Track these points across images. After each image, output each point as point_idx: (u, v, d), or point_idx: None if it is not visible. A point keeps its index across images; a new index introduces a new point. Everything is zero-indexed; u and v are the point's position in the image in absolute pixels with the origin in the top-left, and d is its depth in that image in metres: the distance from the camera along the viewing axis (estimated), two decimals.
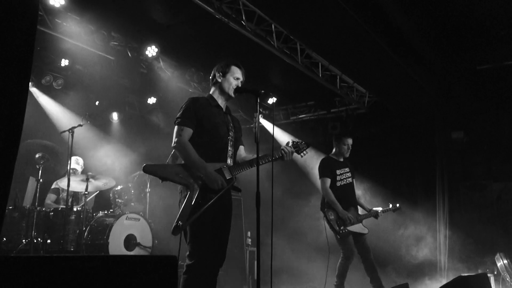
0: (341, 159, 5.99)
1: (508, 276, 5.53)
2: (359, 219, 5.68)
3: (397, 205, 6.10)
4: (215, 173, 3.45)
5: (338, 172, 5.85)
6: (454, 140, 8.03)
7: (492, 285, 5.33)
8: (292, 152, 3.77)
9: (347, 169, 5.93)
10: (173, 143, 3.53)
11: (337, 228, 5.50)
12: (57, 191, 6.59)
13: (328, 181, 5.76)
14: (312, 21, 6.35)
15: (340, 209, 5.55)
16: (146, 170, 3.41)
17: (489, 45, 6.82)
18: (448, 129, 8.11)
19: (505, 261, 5.69)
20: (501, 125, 7.52)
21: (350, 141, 5.94)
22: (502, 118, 7.53)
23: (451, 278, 5.20)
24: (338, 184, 5.80)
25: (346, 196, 5.78)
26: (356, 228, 5.60)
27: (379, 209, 5.94)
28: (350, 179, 5.91)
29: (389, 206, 6.07)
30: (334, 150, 6.04)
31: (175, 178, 3.45)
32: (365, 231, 5.68)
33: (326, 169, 5.86)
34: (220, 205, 3.51)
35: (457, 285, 4.94)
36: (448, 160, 8.04)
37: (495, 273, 5.86)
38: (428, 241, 7.53)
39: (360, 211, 5.89)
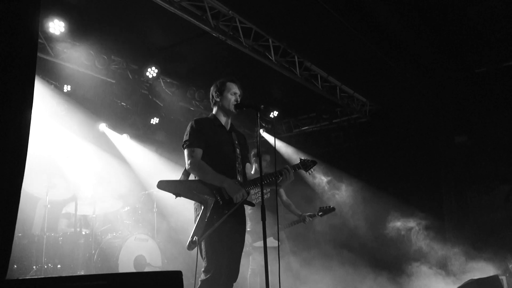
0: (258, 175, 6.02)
1: None
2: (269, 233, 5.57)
3: (330, 206, 6.01)
4: (237, 184, 3.51)
5: (252, 192, 5.72)
6: (457, 144, 8.02)
7: (504, 287, 5.29)
8: (291, 172, 3.79)
9: None
10: (187, 166, 3.57)
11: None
12: (68, 215, 6.63)
13: None
14: (308, 34, 6.44)
15: None
16: (160, 186, 3.43)
17: (486, 48, 6.85)
18: (451, 133, 8.10)
19: None
20: (504, 126, 7.51)
21: (268, 157, 5.95)
22: (504, 119, 7.52)
23: (462, 282, 5.16)
24: (254, 202, 5.76)
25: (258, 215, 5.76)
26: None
27: (307, 214, 5.92)
28: (267, 195, 5.86)
29: (318, 211, 6.00)
30: (253, 167, 5.92)
31: (189, 194, 3.48)
32: (275, 244, 5.58)
33: None
34: (234, 221, 3.56)
35: None
36: (453, 164, 8.02)
37: (507, 275, 5.82)
38: (437, 246, 7.48)
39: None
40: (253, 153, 5.92)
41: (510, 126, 7.40)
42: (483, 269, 6.12)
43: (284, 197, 6.15)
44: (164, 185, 3.45)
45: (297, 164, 3.89)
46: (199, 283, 3.39)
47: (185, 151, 3.62)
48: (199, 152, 3.59)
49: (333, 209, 5.99)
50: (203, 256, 3.44)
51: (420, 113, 8.21)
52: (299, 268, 6.51)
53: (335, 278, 6.92)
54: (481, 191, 7.70)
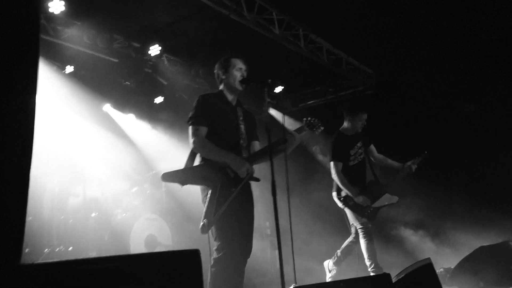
0: (353, 134, 5.54)
1: None
2: (382, 192, 5.35)
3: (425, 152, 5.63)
4: (241, 158, 3.49)
5: (351, 152, 5.47)
6: (466, 113, 7.94)
7: None
8: (296, 135, 3.72)
9: (359, 144, 5.51)
10: (190, 144, 3.55)
11: (363, 213, 5.26)
12: (77, 197, 6.64)
13: (340, 165, 5.37)
14: (312, 5, 6.31)
15: (355, 194, 5.27)
16: (165, 178, 3.43)
17: (495, 13, 6.70)
18: (460, 102, 8.01)
19: None
20: None
21: (365, 116, 5.52)
22: None
23: (472, 249, 5.16)
24: (351, 163, 5.46)
25: (358, 176, 5.47)
26: (383, 201, 5.35)
27: (410, 162, 5.48)
28: (362, 156, 5.53)
29: (416, 158, 5.56)
30: (346, 124, 5.55)
31: (195, 180, 3.50)
32: (395, 200, 5.38)
33: (339, 150, 5.39)
34: (242, 198, 3.55)
35: (479, 255, 4.93)
36: (462, 134, 7.96)
37: None
38: (450, 214, 7.51)
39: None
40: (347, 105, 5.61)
41: None
42: (493, 236, 6.12)
43: (376, 153, 5.75)
44: (168, 176, 3.45)
45: (302, 126, 3.76)
46: (212, 262, 3.42)
47: (189, 128, 3.59)
48: (203, 130, 3.56)
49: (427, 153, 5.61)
50: (215, 236, 3.46)
51: (428, 83, 8.11)
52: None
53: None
54: (493, 159, 7.65)
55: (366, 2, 6.08)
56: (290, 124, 9.27)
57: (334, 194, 5.54)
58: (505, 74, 7.41)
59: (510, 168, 7.27)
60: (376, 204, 5.35)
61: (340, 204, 5.47)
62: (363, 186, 5.47)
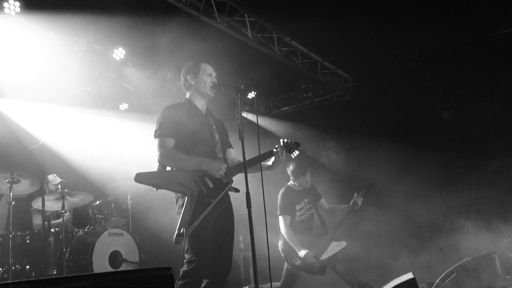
0: (300, 190, 5.97)
1: None
2: (328, 243, 5.61)
3: (367, 184, 5.94)
4: (215, 161, 3.51)
5: (297, 207, 5.87)
6: (445, 119, 8.14)
7: (497, 265, 5.44)
8: (283, 151, 3.81)
9: (306, 200, 5.92)
10: (157, 156, 3.56)
11: (312, 269, 5.51)
12: (39, 212, 6.51)
13: (288, 219, 5.74)
14: (286, 7, 6.38)
15: (300, 252, 5.50)
16: (138, 179, 3.41)
17: (472, 17, 6.91)
18: (438, 108, 8.20)
19: (508, 240, 5.80)
20: (492, 100, 7.63)
21: (307, 176, 5.91)
22: (492, 93, 7.64)
23: (454, 263, 5.30)
24: (298, 219, 5.84)
25: (306, 231, 5.82)
26: (332, 250, 5.59)
27: (355, 197, 5.77)
28: (311, 211, 5.93)
29: (361, 192, 5.83)
30: (292, 181, 6.00)
31: (170, 185, 3.47)
32: (343, 245, 5.65)
33: (287, 204, 5.81)
34: (220, 209, 3.58)
35: (462, 268, 5.06)
36: (441, 140, 8.14)
37: (500, 252, 5.97)
38: (427, 226, 7.63)
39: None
40: (291, 167, 5.90)
41: (498, 99, 7.52)
42: (474, 248, 6.28)
43: (325, 206, 6.09)
44: (142, 177, 3.43)
45: (280, 146, 3.86)
46: (180, 274, 3.41)
47: (156, 141, 3.62)
48: (170, 141, 3.59)
49: (372, 185, 5.94)
50: (187, 247, 3.47)
51: (406, 87, 8.28)
52: None
53: None
54: (470, 167, 7.85)
55: (341, 3, 6.19)
56: (264, 132, 9.35)
57: (280, 244, 5.80)
58: (485, 77, 7.63)
59: (489, 177, 7.48)
60: (325, 255, 5.57)
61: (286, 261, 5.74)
62: (310, 238, 5.75)
